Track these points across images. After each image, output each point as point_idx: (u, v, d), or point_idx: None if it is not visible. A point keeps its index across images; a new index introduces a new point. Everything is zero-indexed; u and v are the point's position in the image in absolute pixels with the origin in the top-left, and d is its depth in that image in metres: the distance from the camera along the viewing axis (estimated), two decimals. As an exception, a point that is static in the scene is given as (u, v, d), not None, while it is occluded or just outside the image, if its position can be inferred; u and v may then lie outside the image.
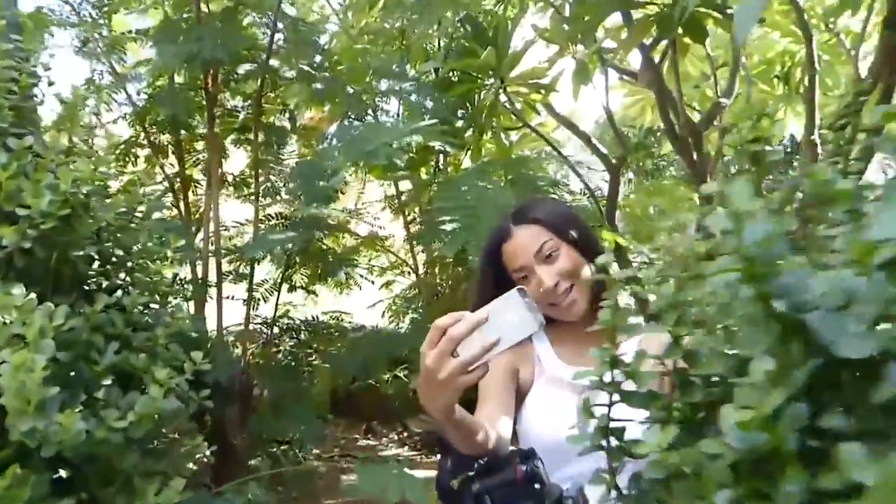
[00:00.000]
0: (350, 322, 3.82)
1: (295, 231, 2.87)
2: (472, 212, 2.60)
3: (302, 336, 3.43)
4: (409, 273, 4.95)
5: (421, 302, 4.54)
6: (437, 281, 4.63)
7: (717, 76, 3.99)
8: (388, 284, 4.98)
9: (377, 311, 4.91)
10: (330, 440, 4.25)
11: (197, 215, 3.53)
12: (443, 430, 1.24)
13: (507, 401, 1.58)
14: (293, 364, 3.27)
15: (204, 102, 3.14)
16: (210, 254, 3.03)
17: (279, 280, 3.30)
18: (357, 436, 4.79)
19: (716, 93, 3.86)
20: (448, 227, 2.56)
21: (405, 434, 4.83)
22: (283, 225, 3.08)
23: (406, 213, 5.20)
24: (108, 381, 1.56)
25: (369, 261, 4.80)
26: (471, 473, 1.31)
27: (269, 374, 3.18)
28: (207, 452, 1.79)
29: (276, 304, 3.32)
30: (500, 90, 4.58)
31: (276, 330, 3.44)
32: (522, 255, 1.63)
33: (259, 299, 3.34)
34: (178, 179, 3.39)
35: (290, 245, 2.73)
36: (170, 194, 3.35)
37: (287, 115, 3.20)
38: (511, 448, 1.46)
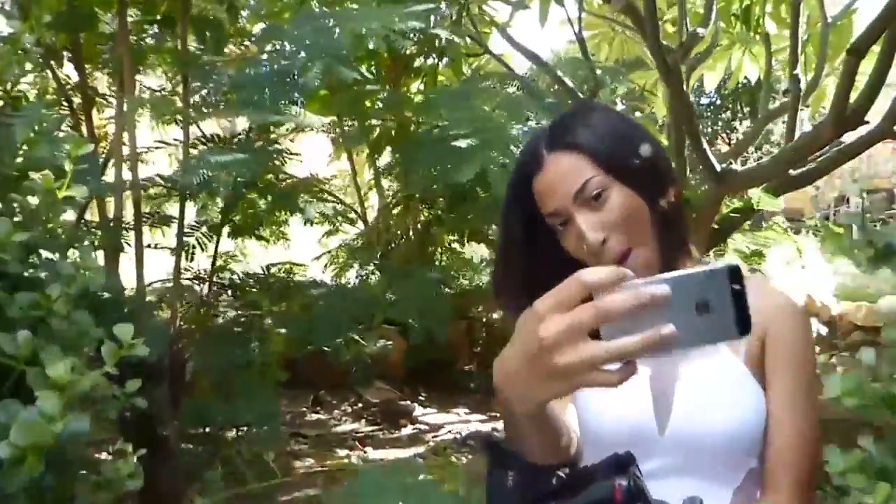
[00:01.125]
0: (303, 276, 3.13)
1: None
2: (488, 124, 1.96)
3: (246, 293, 2.72)
4: (356, 221, 4.30)
5: (374, 252, 3.91)
6: (396, 228, 3.99)
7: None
8: (330, 233, 4.31)
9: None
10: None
11: (105, 143, 2.75)
12: (512, 430, 0.97)
13: (566, 399, 1.27)
14: (238, 330, 2.57)
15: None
16: (125, 188, 2.29)
17: (219, 221, 2.57)
18: (305, 408, 4.15)
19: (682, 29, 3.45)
20: (461, 143, 1.92)
21: (360, 405, 4.23)
22: (222, 149, 2.36)
23: (354, 151, 4.51)
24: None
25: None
26: (546, 493, 0.98)
27: (208, 344, 2.50)
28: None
29: (215, 254, 2.60)
30: (464, 9, 3.98)
31: (213, 287, 2.73)
32: (557, 194, 1.21)
33: (191, 247, 2.62)
34: (79, 93, 2.61)
35: (235, 172, 2.02)
36: (67, 112, 2.57)
37: (224, 3, 2.44)
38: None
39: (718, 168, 3.01)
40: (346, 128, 3.82)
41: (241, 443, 2.26)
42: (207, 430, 2.37)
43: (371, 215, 4.32)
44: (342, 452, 3.46)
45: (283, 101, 2.16)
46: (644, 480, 0.95)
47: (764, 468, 1.15)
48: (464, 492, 2.10)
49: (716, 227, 4.44)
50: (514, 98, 2.21)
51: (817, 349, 6.38)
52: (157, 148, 2.42)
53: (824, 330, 6.46)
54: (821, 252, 7.71)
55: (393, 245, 3.95)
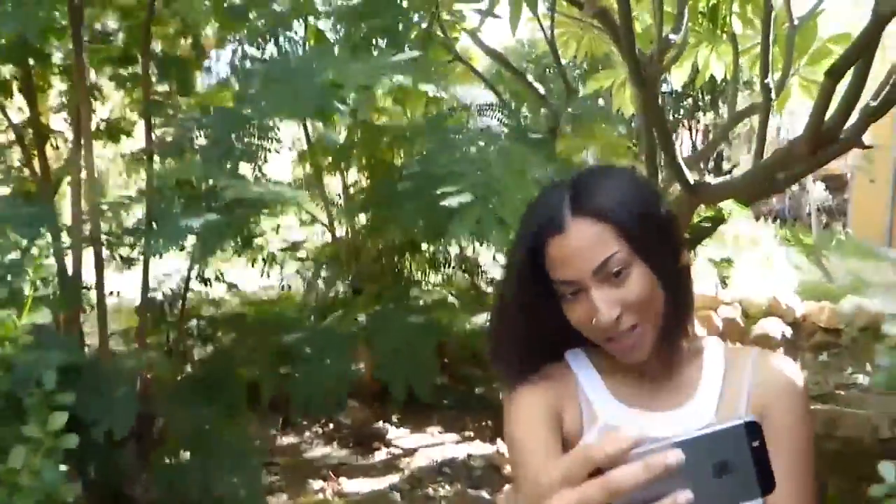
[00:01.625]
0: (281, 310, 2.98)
1: (210, 208, 2.02)
2: (486, 177, 1.84)
3: (216, 341, 2.58)
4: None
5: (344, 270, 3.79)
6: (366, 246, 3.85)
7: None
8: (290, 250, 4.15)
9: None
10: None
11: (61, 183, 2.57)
12: None
13: None
14: (218, 376, 2.45)
15: (66, 21, 2.17)
16: (84, 244, 2.14)
17: (187, 274, 2.41)
18: (274, 432, 4.03)
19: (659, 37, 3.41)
20: (454, 200, 1.79)
21: (331, 426, 4.14)
22: (189, 198, 2.20)
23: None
24: None
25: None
26: None
27: (178, 401, 2.36)
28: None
29: (183, 302, 2.45)
30: (435, 17, 3.86)
31: (182, 333, 2.59)
32: (576, 264, 1.15)
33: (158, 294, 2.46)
34: (31, 128, 2.42)
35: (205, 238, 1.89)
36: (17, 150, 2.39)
37: (190, 40, 2.27)
38: None
39: (692, 181, 3.02)
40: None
41: None
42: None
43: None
44: (316, 485, 3.37)
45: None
46: None
47: None
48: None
49: (687, 235, 4.45)
50: (511, 150, 2.08)
51: (781, 351, 6.49)
52: (120, 204, 2.26)
53: (789, 332, 6.57)
54: (780, 245, 7.83)
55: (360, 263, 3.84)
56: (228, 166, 2.09)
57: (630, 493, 0.63)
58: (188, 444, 2.34)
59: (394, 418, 4.17)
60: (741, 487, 0.67)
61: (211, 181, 2.04)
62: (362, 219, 3.47)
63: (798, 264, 6.66)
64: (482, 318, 2.51)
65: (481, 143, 2.20)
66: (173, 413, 2.40)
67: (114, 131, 2.50)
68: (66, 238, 2.20)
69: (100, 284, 2.19)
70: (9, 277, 1.24)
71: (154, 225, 2.10)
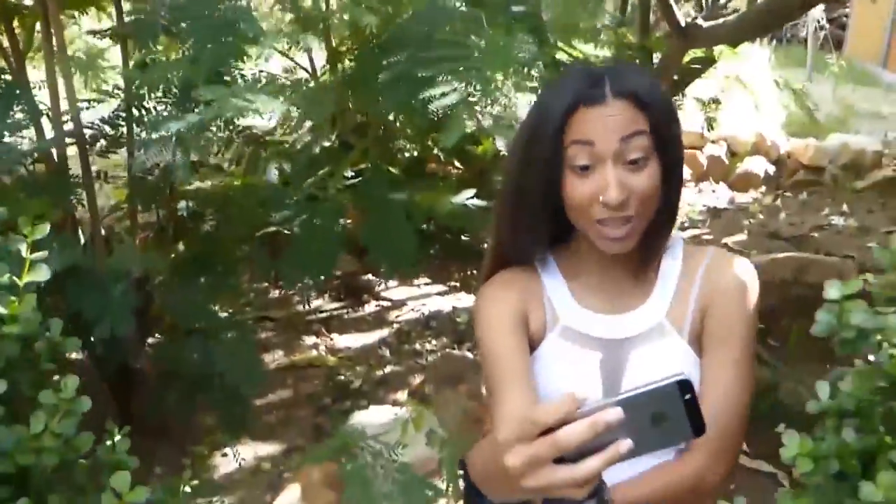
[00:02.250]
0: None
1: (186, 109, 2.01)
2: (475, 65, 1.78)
3: (205, 221, 2.64)
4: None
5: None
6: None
7: None
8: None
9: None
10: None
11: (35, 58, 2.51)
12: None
13: (531, 372, 1.34)
14: (209, 253, 2.55)
15: None
16: (65, 142, 2.15)
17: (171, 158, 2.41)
18: (266, 283, 4.19)
19: None
20: (435, 92, 1.76)
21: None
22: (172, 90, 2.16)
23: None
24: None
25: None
26: None
27: (172, 283, 2.48)
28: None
29: (171, 185, 2.47)
30: None
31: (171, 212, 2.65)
32: (607, 132, 1.19)
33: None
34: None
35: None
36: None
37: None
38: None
39: (683, 23, 2.99)
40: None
41: (219, 380, 2.33)
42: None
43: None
44: (309, 341, 3.59)
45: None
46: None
47: None
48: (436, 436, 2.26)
49: (676, 78, 4.44)
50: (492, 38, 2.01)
51: (763, 189, 6.61)
52: (95, 102, 2.21)
53: (772, 169, 6.65)
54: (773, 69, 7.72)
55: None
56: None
57: (575, 447, 0.74)
58: (184, 320, 2.48)
59: (382, 270, 4.34)
60: (676, 433, 0.80)
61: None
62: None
63: (786, 103, 6.63)
64: (464, 196, 2.57)
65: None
66: (169, 291, 2.52)
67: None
68: (48, 129, 2.22)
69: (86, 174, 2.23)
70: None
71: (134, 112, 2.11)
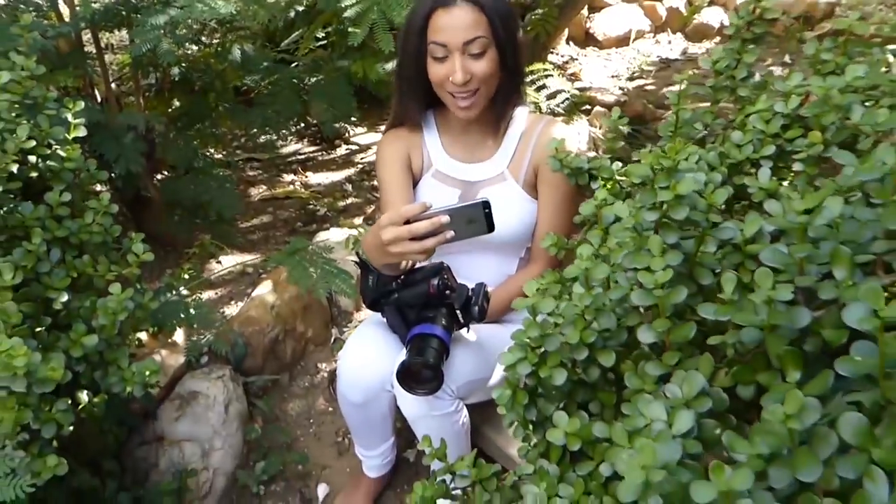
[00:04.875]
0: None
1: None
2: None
3: (192, 83, 3.32)
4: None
5: None
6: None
7: None
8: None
9: None
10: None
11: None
12: (372, 262, 1.63)
13: (408, 195, 1.90)
14: (199, 109, 3.21)
15: None
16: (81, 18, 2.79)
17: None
18: (255, 129, 4.87)
19: None
20: (351, 12, 2.39)
21: (302, 125, 4.94)
22: None
23: None
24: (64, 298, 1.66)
25: None
26: (391, 288, 1.74)
27: (170, 134, 3.20)
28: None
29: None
30: None
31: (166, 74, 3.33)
32: (453, 34, 1.66)
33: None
34: None
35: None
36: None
37: None
38: (422, 264, 1.85)
39: None
40: None
41: (209, 208, 3.10)
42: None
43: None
44: (288, 178, 4.34)
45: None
46: (454, 278, 1.80)
47: (531, 249, 2.00)
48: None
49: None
50: None
51: (717, 40, 7.00)
52: None
53: (727, 21, 6.98)
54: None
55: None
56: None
57: (422, 234, 1.39)
58: (181, 161, 3.21)
59: (353, 118, 5.00)
60: (480, 228, 1.46)
61: None
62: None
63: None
64: (388, 66, 3.21)
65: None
66: (168, 139, 3.23)
67: None
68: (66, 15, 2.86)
69: (100, 54, 2.90)
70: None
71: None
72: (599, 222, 1.11)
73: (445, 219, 1.41)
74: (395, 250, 1.41)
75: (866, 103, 1.20)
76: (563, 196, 1.87)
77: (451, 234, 1.43)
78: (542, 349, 1.05)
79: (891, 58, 1.34)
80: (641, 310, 1.00)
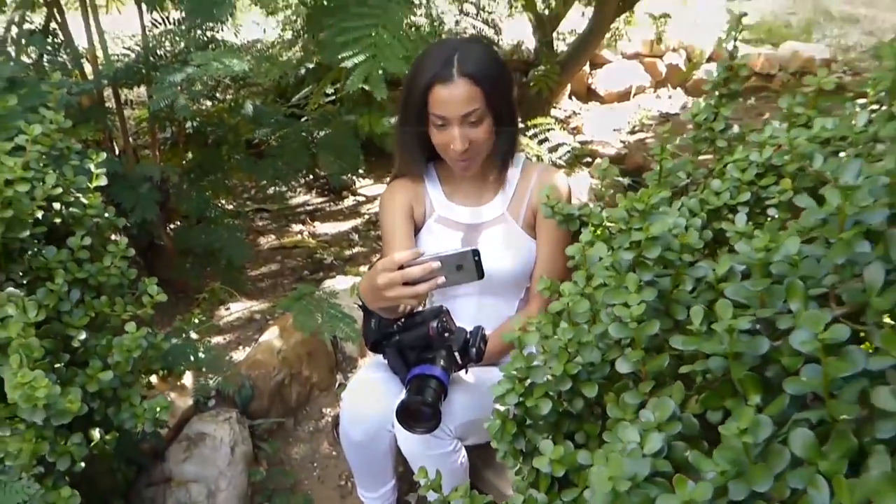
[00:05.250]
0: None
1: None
2: (375, 30, 2.47)
3: (206, 136, 3.47)
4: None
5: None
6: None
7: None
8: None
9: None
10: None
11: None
12: (370, 306, 1.70)
13: (409, 243, 1.98)
14: (211, 161, 3.34)
15: None
16: (104, 76, 2.94)
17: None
18: (265, 181, 5.01)
19: None
20: (349, 62, 2.50)
21: (311, 177, 5.08)
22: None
23: None
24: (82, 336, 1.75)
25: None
26: (392, 331, 1.82)
27: (183, 185, 3.32)
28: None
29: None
30: None
31: (182, 129, 3.48)
32: (452, 108, 1.75)
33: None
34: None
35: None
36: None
37: None
38: (422, 309, 1.92)
39: None
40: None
41: (220, 256, 3.20)
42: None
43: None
44: (297, 228, 4.46)
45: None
46: (452, 321, 1.87)
47: (529, 290, 2.07)
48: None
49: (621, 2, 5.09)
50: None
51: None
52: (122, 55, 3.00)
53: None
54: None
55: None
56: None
57: (414, 280, 1.47)
58: (194, 211, 3.33)
59: (360, 171, 5.14)
60: (469, 275, 1.53)
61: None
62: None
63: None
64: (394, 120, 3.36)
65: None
66: (181, 190, 3.35)
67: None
68: (89, 72, 3.01)
69: (119, 109, 3.05)
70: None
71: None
72: (584, 262, 1.19)
73: (436, 265, 1.47)
74: (390, 294, 1.47)
75: (840, 153, 1.30)
76: (560, 238, 1.95)
77: (441, 279, 1.48)
78: (529, 381, 1.12)
79: (858, 111, 1.44)
80: (621, 343, 1.07)
